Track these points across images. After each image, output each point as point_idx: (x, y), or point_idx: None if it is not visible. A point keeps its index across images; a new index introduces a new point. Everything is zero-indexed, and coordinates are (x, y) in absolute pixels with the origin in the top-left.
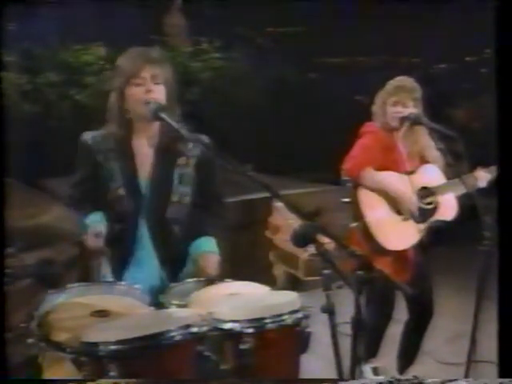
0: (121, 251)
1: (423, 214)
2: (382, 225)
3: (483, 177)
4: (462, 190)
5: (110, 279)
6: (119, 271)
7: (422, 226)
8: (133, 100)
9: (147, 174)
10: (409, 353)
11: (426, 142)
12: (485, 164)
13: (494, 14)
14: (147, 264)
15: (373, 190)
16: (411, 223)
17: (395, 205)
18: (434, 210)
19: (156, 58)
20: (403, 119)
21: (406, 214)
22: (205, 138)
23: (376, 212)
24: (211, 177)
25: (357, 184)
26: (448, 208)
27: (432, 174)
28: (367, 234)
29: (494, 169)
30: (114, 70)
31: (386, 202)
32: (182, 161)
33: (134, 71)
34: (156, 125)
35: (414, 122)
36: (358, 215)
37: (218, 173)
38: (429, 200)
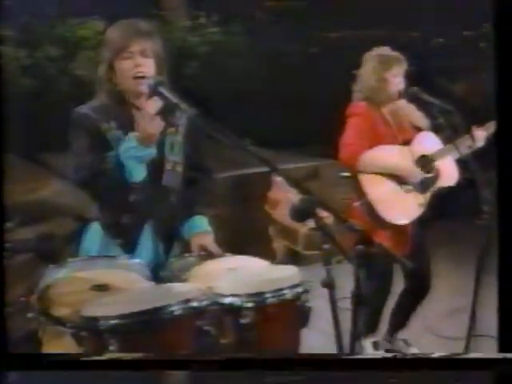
0: (134, 220)
1: (425, 183)
2: (385, 200)
3: (480, 135)
4: (460, 153)
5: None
6: (131, 241)
7: (426, 196)
8: (121, 73)
9: None
10: (400, 320)
11: (412, 111)
12: (480, 124)
13: None
14: (144, 235)
15: (374, 173)
16: (414, 196)
17: (397, 179)
18: (435, 178)
19: (145, 31)
20: (402, 93)
21: (411, 186)
22: (191, 109)
23: (378, 188)
24: (198, 148)
25: (356, 172)
26: (449, 173)
27: (429, 141)
28: (371, 211)
29: (490, 125)
30: (103, 42)
31: (388, 178)
32: (171, 129)
33: (122, 45)
34: (145, 96)
35: (413, 96)
36: (360, 194)
37: (204, 145)
38: (429, 167)
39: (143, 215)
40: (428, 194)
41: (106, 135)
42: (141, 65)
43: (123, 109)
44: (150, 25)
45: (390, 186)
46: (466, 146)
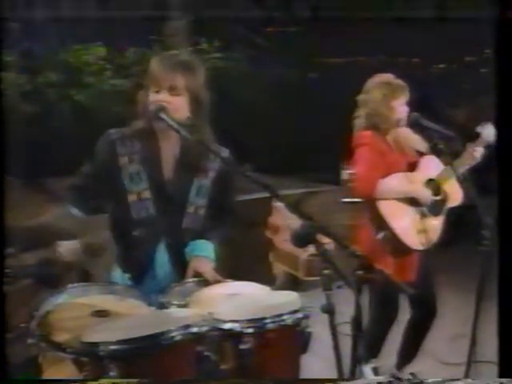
0: (141, 254)
1: (436, 206)
2: (407, 228)
3: (478, 151)
4: (463, 169)
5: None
6: (140, 275)
7: (440, 219)
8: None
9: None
10: (409, 351)
11: (412, 135)
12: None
13: (494, 13)
14: (162, 268)
15: (391, 199)
16: (430, 220)
17: (413, 205)
18: (444, 200)
19: (184, 65)
20: (404, 120)
21: (426, 211)
22: (225, 152)
23: (399, 217)
24: (228, 192)
25: (373, 202)
26: (455, 193)
27: (433, 165)
28: (394, 240)
29: (482, 140)
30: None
31: (406, 205)
32: (201, 174)
33: (155, 77)
34: (177, 135)
35: (414, 122)
36: (382, 224)
37: (234, 188)
38: (437, 190)
39: (162, 250)
40: (440, 217)
41: (122, 170)
42: (165, 101)
43: (153, 142)
44: (193, 58)
45: (409, 213)
46: (465, 164)
